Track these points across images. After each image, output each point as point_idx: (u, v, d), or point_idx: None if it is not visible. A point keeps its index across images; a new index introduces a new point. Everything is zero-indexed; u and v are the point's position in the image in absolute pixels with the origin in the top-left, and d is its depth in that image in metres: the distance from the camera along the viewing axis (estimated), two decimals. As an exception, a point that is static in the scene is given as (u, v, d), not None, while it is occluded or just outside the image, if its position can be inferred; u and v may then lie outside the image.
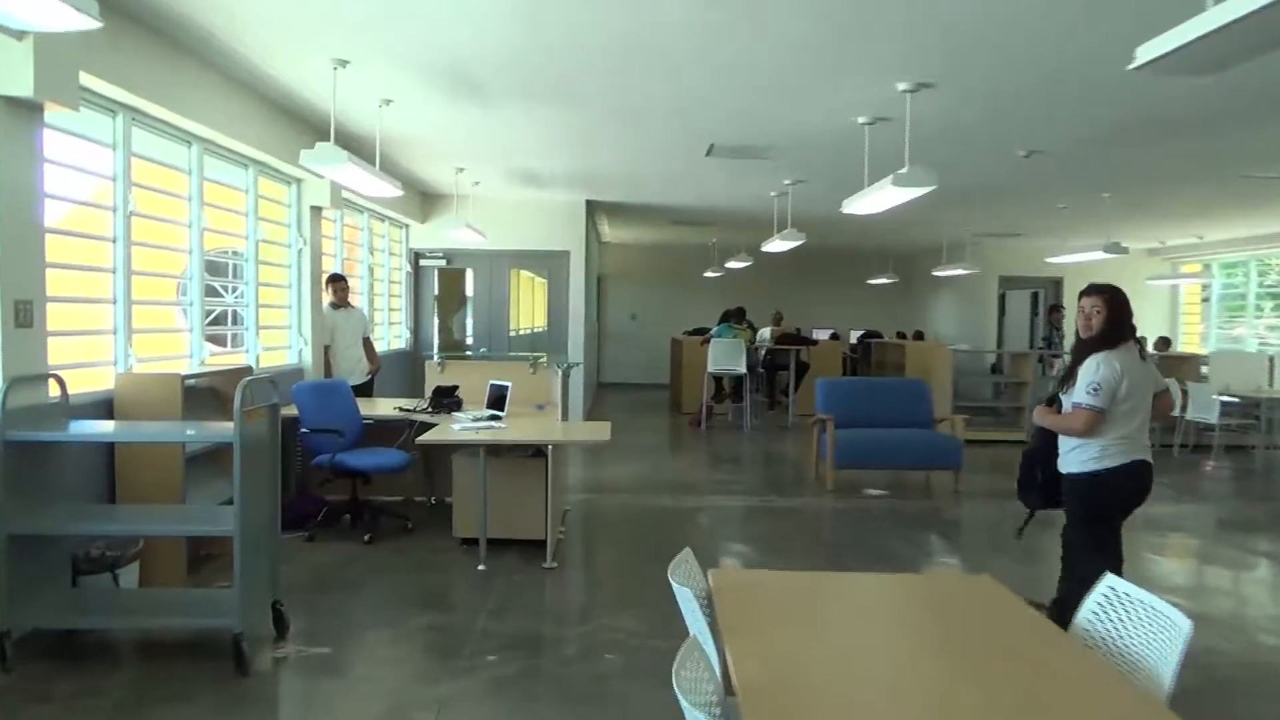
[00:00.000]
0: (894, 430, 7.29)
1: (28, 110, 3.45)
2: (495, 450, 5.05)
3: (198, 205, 5.14)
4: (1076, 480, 3.53)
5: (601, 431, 5.28)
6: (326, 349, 6.91)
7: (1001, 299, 13.98)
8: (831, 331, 14.68)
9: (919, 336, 14.66)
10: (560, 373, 5.82)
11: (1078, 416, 3.43)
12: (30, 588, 3.37)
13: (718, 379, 11.18)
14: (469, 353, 10.04)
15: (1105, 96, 4.94)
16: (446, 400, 5.95)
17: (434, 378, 6.48)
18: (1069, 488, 3.58)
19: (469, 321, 10.53)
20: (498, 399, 5.77)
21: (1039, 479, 3.81)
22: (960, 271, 12.38)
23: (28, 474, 3.38)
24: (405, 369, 9.16)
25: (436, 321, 10.47)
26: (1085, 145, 6.34)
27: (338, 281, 7.01)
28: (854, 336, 15.54)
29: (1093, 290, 3.56)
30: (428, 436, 4.96)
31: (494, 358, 8.90)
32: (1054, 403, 3.70)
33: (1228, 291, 13.47)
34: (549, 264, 10.36)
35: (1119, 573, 2.81)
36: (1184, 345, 13.58)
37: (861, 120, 5.58)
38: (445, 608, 4.23)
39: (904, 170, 4.65)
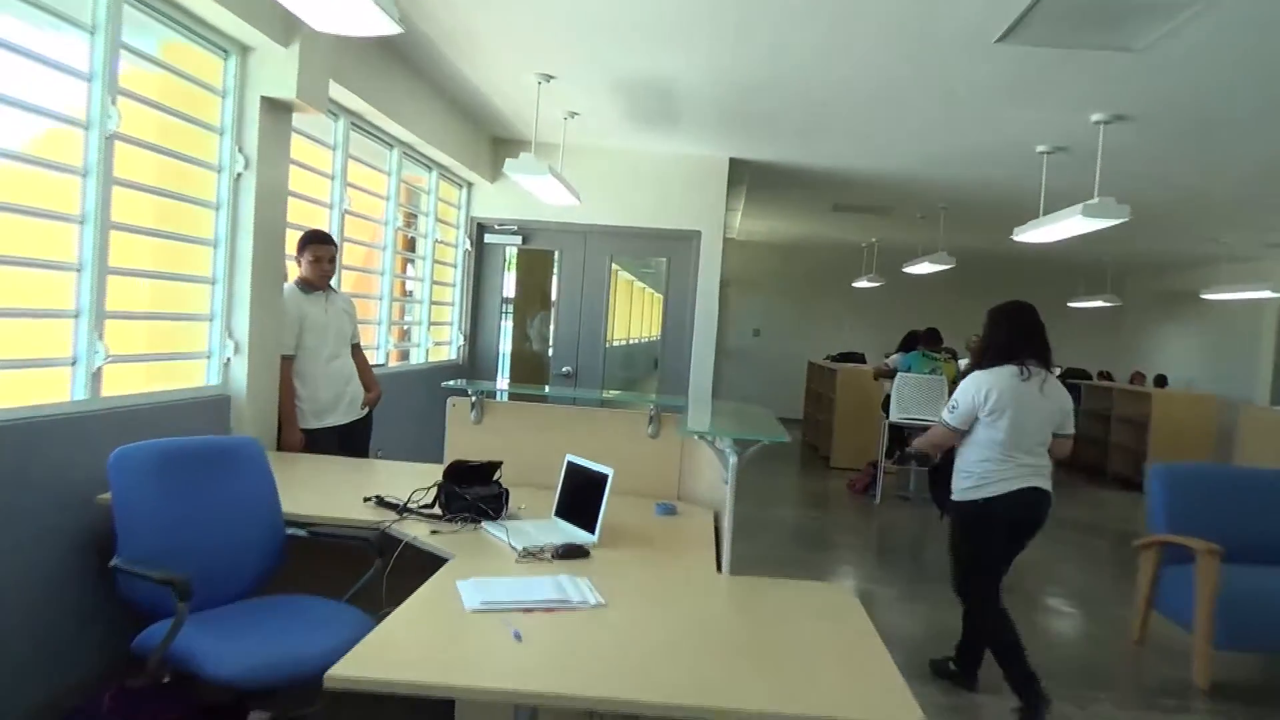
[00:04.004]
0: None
1: None
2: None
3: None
4: (958, 506, 3.43)
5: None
6: (287, 361, 3.87)
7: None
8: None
9: (1150, 380, 10.85)
10: (718, 448, 2.56)
11: (934, 429, 3.55)
12: None
13: (899, 429, 7.74)
14: (546, 388, 6.45)
15: None
16: (471, 493, 2.76)
17: (460, 434, 3.31)
18: (953, 511, 3.49)
19: (552, 330, 7.36)
20: (583, 499, 2.59)
21: (938, 481, 3.89)
22: (1248, 295, 8.64)
23: None
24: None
25: (509, 326, 7.37)
26: None
27: (319, 246, 3.95)
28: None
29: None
30: (355, 678, 1.76)
31: (580, 400, 4.45)
32: None
33: None
34: (668, 250, 7.11)
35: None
36: None
37: None
38: None
39: None
